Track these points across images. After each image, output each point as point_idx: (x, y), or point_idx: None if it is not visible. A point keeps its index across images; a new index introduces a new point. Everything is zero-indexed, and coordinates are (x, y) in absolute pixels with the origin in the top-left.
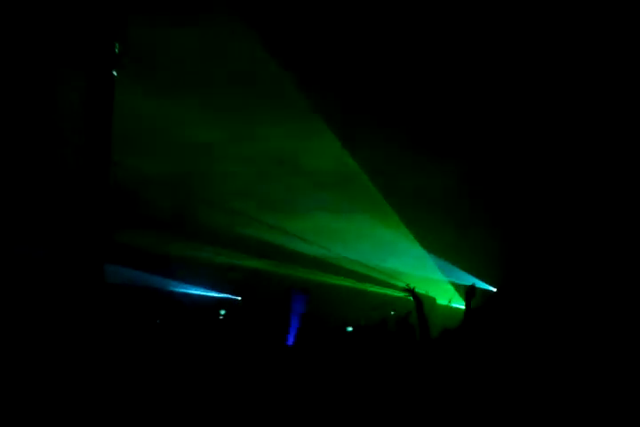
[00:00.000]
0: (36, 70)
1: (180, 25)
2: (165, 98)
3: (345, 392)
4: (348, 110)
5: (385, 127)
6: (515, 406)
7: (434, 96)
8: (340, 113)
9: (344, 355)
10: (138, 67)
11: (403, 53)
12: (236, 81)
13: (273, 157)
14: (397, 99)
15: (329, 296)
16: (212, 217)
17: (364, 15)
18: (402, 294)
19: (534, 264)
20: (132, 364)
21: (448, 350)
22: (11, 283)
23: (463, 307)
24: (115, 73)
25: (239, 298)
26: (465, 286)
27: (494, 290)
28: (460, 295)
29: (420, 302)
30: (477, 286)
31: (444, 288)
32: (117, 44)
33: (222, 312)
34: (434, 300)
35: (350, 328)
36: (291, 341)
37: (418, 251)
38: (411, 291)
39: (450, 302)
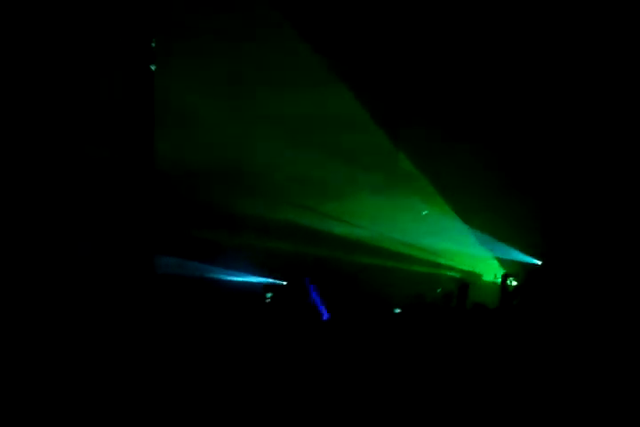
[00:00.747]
0: (77, 67)
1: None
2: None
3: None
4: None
5: (423, 108)
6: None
7: (470, 79)
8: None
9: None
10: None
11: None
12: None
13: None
14: (433, 83)
15: (374, 277)
16: (255, 205)
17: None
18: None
19: (578, 236)
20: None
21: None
22: (63, 276)
23: (510, 283)
24: (153, 68)
25: (284, 283)
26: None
27: (539, 263)
28: (504, 272)
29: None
30: (522, 260)
31: (490, 264)
32: (154, 40)
33: (268, 295)
34: (479, 276)
35: (398, 310)
36: (325, 316)
37: (461, 228)
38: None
39: (495, 277)
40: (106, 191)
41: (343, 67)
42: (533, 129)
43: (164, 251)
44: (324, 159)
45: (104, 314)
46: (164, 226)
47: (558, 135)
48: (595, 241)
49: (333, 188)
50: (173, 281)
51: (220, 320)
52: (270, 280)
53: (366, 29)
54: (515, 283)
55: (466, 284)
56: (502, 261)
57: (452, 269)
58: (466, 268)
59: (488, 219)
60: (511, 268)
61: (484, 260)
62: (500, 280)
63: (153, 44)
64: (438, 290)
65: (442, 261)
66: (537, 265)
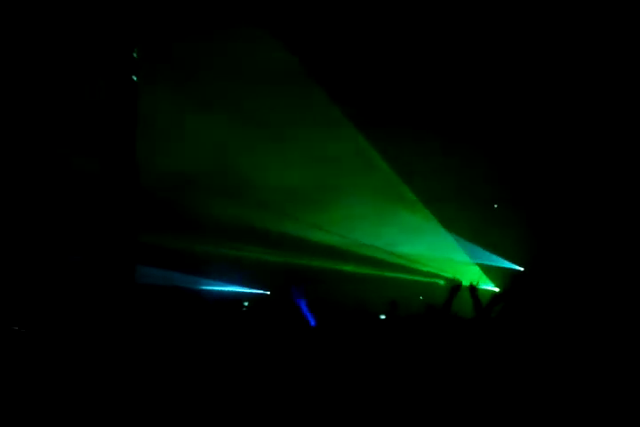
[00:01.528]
0: (58, 76)
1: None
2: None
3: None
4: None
5: (403, 112)
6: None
7: (452, 80)
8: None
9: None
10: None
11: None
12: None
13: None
14: (412, 84)
15: (355, 285)
16: (237, 212)
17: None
18: (441, 282)
19: (561, 243)
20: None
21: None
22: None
23: (490, 288)
24: (135, 78)
25: (268, 292)
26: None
27: (521, 269)
28: (487, 277)
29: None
30: (504, 265)
31: (470, 270)
32: (136, 50)
33: (245, 304)
34: (460, 282)
35: (383, 316)
36: (312, 322)
37: (442, 234)
38: (458, 285)
39: (477, 283)
40: (88, 200)
41: (326, 73)
42: (519, 134)
43: (146, 261)
44: (307, 167)
45: (86, 323)
46: (145, 236)
47: (544, 140)
48: (580, 247)
49: (316, 196)
50: (154, 292)
51: (203, 330)
52: (251, 290)
53: (349, 31)
54: (496, 289)
55: (458, 284)
56: (485, 268)
57: (435, 275)
58: (448, 275)
59: (470, 226)
60: (494, 274)
61: (464, 265)
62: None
63: (135, 55)
64: (421, 297)
65: (424, 268)
66: (520, 271)
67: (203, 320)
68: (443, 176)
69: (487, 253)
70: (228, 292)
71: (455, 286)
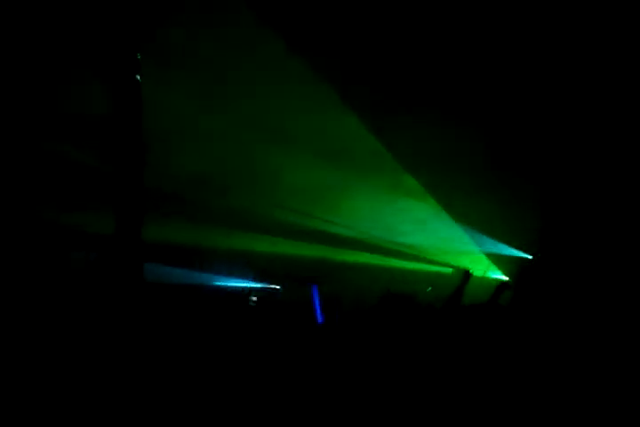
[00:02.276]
0: (60, 78)
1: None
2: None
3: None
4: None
5: (410, 100)
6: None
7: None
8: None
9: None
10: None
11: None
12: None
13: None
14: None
15: (365, 276)
16: (244, 207)
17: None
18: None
19: (571, 230)
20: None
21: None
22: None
23: (499, 277)
24: (139, 78)
25: (278, 287)
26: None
27: (530, 257)
28: (495, 266)
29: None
30: (513, 254)
31: (479, 259)
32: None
33: (254, 299)
34: (469, 271)
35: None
36: (320, 319)
37: (449, 223)
38: (468, 275)
39: (485, 273)
40: (96, 198)
41: (330, 67)
42: (527, 124)
43: (154, 259)
44: (313, 161)
45: (94, 322)
46: (153, 233)
47: (554, 129)
48: (591, 237)
49: (321, 189)
50: (164, 289)
51: (215, 326)
52: (261, 285)
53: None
54: (505, 278)
55: (469, 272)
56: (491, 257)
57: (441, 264)
58: (457, 264)
59: (480, 216)
60: (502, 264)
61: (472, 255)
62: (488, 275)
63: (138, 56)
64: (429, 288)
65: (432, 257)
66: (529, 260)
67: (212, 316)
68: (451, 166)
69: (496, 242)
70: (239, 287)
71: (465, 276)
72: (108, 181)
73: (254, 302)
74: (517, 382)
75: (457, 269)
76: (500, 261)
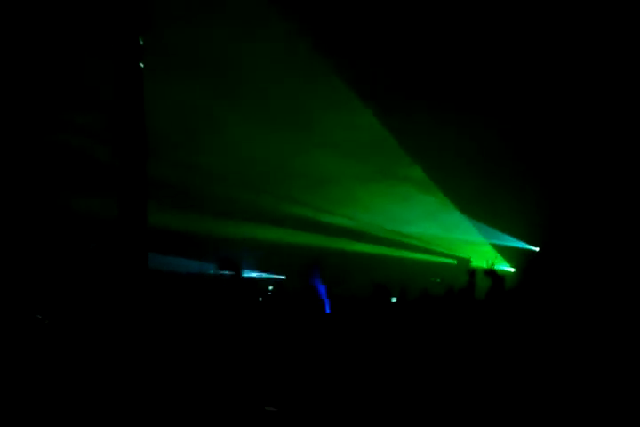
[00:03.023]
0: (64, 65)
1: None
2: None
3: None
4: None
5: (412, 91)
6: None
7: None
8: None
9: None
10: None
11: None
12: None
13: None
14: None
15: (368, 266)
16: (241, 194)
17: None
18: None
19: (577, 222)
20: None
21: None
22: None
23: (505, 269)
24: (142, 65)
25: (283, 277)
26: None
27: (537, 249)
28: (502, 257)
29: (500, 280)
30: (519, 246)
31: (485, 251)
32: (141, 37)
33: (270, 288)
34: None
35: (394, 299)
36: (328, 308)
37: (456, 215)
38: (492, 271)
39: (491, 264)
40: (99, 187)
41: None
42: (532, 112)
43: (159, 248)
44: (312, 149)
45: (98, 311)
46: (157, 222)
47: (560, 120)
48: (595, 230)
49: (321, 177)
50: (166, 278)
51: (219, 316)
52: (267, 275)
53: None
54: (512, 270)
55: (473, 270)
56: (497, 248)
57: (447, 256)
58: (461, 255)
59: (484, 205)
60: (507, 254)
61: (479, 246)
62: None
63: (141, 42)
64: (438, 280)
65: (436, 248)
66: (534, 252)
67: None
68: (456, 156)
69: (500, 233)
70: (245, 277)
71: (473, 269)
72: (112, 169)
73: (271, 291)
74: (519, 373)
75: (460, 259)
76: (505, 252)
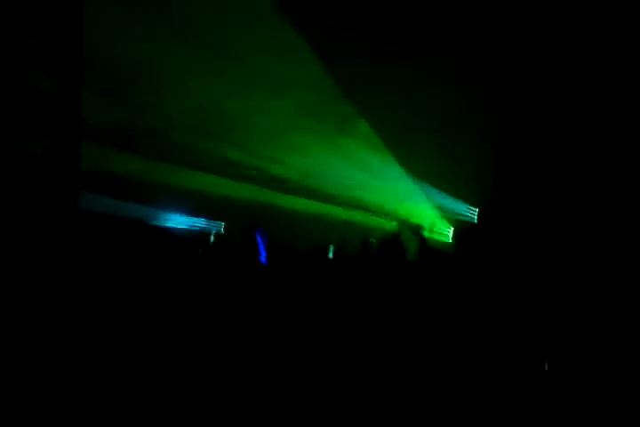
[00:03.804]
0: None
1: None
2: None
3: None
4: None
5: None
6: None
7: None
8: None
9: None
10: None
11: None
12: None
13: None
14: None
15: (305, 223)
16: (191, 141)
17: None
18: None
19: (521, 185)
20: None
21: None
22: None
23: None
24: None
25: (222, 224)
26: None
27: (477, 210)
28: (444, 220)
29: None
30: (461, 205)
31: (428, 213)
32: None
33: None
34: (419, 225)
35: (331, 254)
36: (264, 260)
37: (401, 175)
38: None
39: (433, 226)
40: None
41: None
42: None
43: (90, 187)
44: (257, 93)
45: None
46: (90, 162)
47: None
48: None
49: (272, 129)
50: (96, 219)
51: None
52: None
53: None
54: (450, 232)
55: (419, 229)
56: (440, 210)
57: (387, 216)
58: (401, 216)
59: (430, 167)
60: (449, 217)
61: (422, 208)
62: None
63: None
64: (373, 240)
65: (375, 208)
66: (475, 213)
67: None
68: (401, 108)
69: (444, 195)
70: (181, 228)
71: (417, 230)
72: (44, 101)
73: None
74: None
75: (402, 222)
76: (449, 215)
